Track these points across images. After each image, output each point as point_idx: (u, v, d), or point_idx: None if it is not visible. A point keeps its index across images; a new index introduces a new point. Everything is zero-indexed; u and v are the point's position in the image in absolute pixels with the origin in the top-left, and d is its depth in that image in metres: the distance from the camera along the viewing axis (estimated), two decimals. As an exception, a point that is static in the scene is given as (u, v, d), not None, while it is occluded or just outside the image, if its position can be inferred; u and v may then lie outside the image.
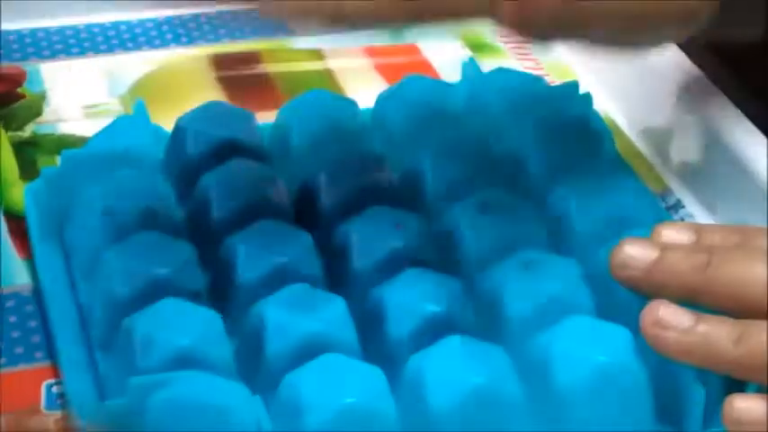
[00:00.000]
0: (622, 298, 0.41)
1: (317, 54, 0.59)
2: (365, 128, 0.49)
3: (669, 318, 0.39)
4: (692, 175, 0.52)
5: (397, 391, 0.39)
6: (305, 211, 0.46)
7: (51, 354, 0.43)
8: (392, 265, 0.42)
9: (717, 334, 0.38)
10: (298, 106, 0.49)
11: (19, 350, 0.44)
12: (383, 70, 0.58)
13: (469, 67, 0.52)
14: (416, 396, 0.39)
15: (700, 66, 0.54)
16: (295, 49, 0.59)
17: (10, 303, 0.46)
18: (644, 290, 0.40)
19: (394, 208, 0.44)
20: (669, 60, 0.54)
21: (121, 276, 0.41)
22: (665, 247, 0.40)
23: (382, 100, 0.50)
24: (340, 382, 0.38)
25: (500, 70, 0.51)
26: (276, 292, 0.41)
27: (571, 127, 0.48)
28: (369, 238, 0.43)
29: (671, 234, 0.41)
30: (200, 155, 0.46)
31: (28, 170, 0.52)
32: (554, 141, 0.47)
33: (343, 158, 0.46)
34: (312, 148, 0.47)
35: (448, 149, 0.46)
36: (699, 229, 0.41)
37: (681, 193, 0.52)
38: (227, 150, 0.46)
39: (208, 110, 0.48)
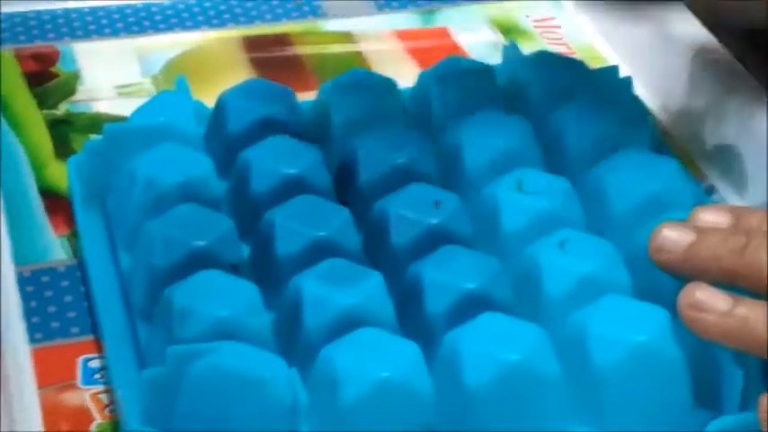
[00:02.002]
0: (660, 279, 0.41)
1: (348, 37, 0.59)
2: (405, 106, 0.49)
3: (706, 300, 0.39)
4: (725, 161, 0.52)
5: (433, 367, 0.39)
6: (344, 187, 0.46)
7: (93, 323, 0.44)
8: (430, 243, 0.42)
9: (754, 317, 0.38)
10: (338, 84, 0.49)
11: (55, 325, 0.44)
12: (413, 53, 0.58)
13: (510, 50, 0.52)
14: (452, 372, 0.39)
15: (732, 51, 0.54)
16: (326, 31, 0.59)
17: (45, 279, 0.46)
18: (682, 273, 0.40)
19: (433, 186, 0.44)
20: (702, 46, 0.54)
21: (162, 248, 0.41)
22: (702, 230, 0.40)
23: (424, 79, 0.50)
24: (376, 356, 0.38)
25: (541, 53, 0.51)
26: (314, 266, 0.41)
27: (611, 110, 0.48)
28: (407, 215, 0.43)
29: (709, 217, 0.41)
30: (241, 130, 0.47)
31: (62, 148, 0.52)
32: (594, 123, 0.47)
33: (382, 136, 0.46)
34: (352, 126, 0.47)
35: (488, 129, 0.46)
36: (737, 212, 0.41)
37: (713, 178, 0.52)
38: (268, 126, 0.46)
39: (249, 86, 0.48)
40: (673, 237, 0.40)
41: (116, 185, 0.45)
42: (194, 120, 0.47)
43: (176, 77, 0.49)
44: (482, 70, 0.50)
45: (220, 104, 0.48)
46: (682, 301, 0.39)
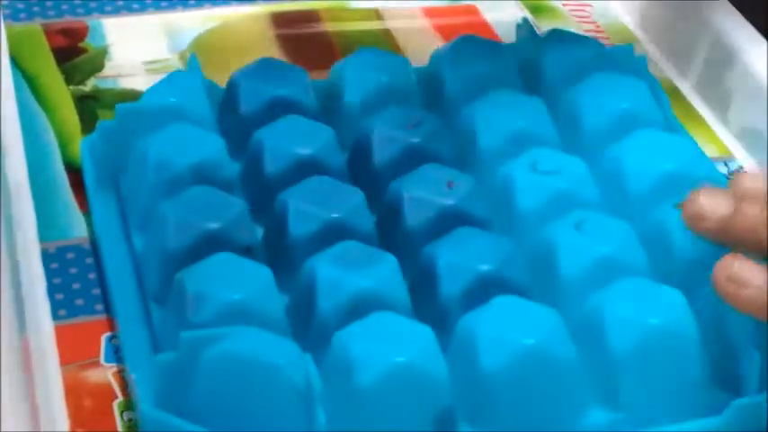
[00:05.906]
0: (676, 258, 0.40)
1: (376, 14, 0.59)
2: (418, 86, 0.49)
3: (744, 274, 0.38)
4: (754, 140, 0.51)
5: (448, 350, 0.39)
6: (357, 168, 0.46)
7: (106, 305, 0.44)
8: (444, 224, 0.42)
9: None
10: (350, 64, 0.49)
11: (79, 302, 0.44)
12: (441, 30, 0.58)
13: (524, 28, 0.52)
14: (467, 356, 0.39)
15: (761, 30, 0.54)
16: (354, 8, 0.59)
17: (70, 256, 0.46)
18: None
19: (446, 166, 0.44)
20: (730, 24, 0.53)
21: (174, 231, 0.41)
22: (742, 200, 0.39)
23: (436, 59, 0.50)
24: (390, 341, 0.38)
25: (555, 32, 0.51)
26: (328, 249, 0.41)
27: (625, 89, 0.47)
28: (421, 196, 0.43)
29: (748, 183, 0.40)
30: (254, 110, 0.46)
31: (89, 124, 0.52)
32: (608, 103, 0.47)
33: (395, 116, 0.46)
34: (365, 106, 0.47)
35: (502, 109, 0.46)
36: None
37: (742, 158, 0.52)
38: (280, 106, 0.46)
39: (261, 66, 0.48)
40: (710, 205, 0.39)
41: (129, 166, 0.45)
42: (207, 100, 0.47)
43: (204, 54, 0.49)
44: (496, 49, 0.50)
45: (232, 85, 0.47)
46: (718, 274, 0.38)
